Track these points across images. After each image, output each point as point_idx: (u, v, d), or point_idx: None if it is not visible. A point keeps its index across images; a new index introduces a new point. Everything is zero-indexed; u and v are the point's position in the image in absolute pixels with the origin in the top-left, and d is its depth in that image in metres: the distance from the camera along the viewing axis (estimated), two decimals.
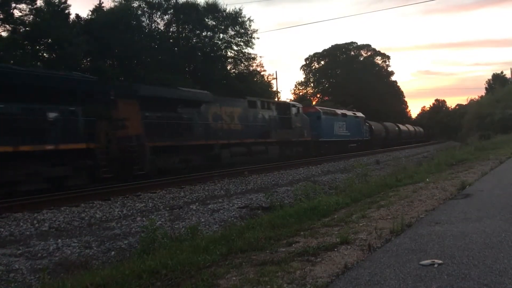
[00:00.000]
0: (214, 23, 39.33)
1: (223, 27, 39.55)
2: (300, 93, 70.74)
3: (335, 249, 4.17)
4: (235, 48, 40.80)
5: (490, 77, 71.98)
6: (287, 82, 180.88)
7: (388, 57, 77.66)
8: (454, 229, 4.76)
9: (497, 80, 64.72)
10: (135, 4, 36.08)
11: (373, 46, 76.37)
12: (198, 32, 38.58)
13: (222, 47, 40.14)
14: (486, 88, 67.46)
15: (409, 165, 16.88)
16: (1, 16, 25.64)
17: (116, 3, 34.63)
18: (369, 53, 75.96)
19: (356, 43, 74.58)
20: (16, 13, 26.11)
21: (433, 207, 6.22)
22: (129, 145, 15.14)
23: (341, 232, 4.86)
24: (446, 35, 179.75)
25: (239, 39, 40.31)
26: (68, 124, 12.77)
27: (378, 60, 77.19)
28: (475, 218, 5.27)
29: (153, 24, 37.44)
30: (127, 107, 15.46)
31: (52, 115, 12.40)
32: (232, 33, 40.01)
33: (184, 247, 4.87)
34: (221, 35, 39.95)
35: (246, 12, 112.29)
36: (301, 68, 74.87)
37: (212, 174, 16.77)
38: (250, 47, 40.85)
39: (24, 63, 21.20)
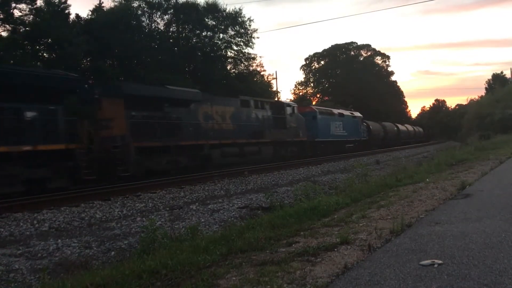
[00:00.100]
0: (214, 23, 39.32)
1: (223, 27, 39.52)
2: (300, 93, 70.73)
3: (335, 249, 4.17)
4: (235, 48, 40.84)
5: (490, 77, 72.13)
6: (287, 82, 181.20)
7: (388, 57, 77.73)
8: (454, 229, 4.76)
9: (497, 80, 64.72)
10: (135, 4, 36.11)
11: (373, 46, 76.41)
12: (198, 32, 38.56)
13: (222, 47, 40.13)
14: (486, 88, 67.58)
15: (409, 165, 16.88)
16: (1, 16, 25.62)
17: (116, 3, 34.68)
18: (369, 53, 75.91)
19: (356, 43, 74.63)
20: (16, 13, 26.15)
21: (433, 207, 6.22)
22: (112, 145, 14.65)
23: (341, 232, 4.87)
24: (446, 35, 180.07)
25: (239, 39, 40.29)
26: (47, 124, 12.37)
27: (378, 60, 77.24)
28: (475, 218, 5.27)
29: (153, 24, 37.47)
30: (111, 106, 15.01)
31: (29, 114, 12.00)
32: (232, 33, 40.01)
33: (184, 247, 4.87)
34: (221, 35, 39.97)
35: (246, 12, 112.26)
36: (301, 68, 74.91)
37: (212, 174, 16.68)
38: (250, 47, 40.90)
39: (24, 63, 21.20)
